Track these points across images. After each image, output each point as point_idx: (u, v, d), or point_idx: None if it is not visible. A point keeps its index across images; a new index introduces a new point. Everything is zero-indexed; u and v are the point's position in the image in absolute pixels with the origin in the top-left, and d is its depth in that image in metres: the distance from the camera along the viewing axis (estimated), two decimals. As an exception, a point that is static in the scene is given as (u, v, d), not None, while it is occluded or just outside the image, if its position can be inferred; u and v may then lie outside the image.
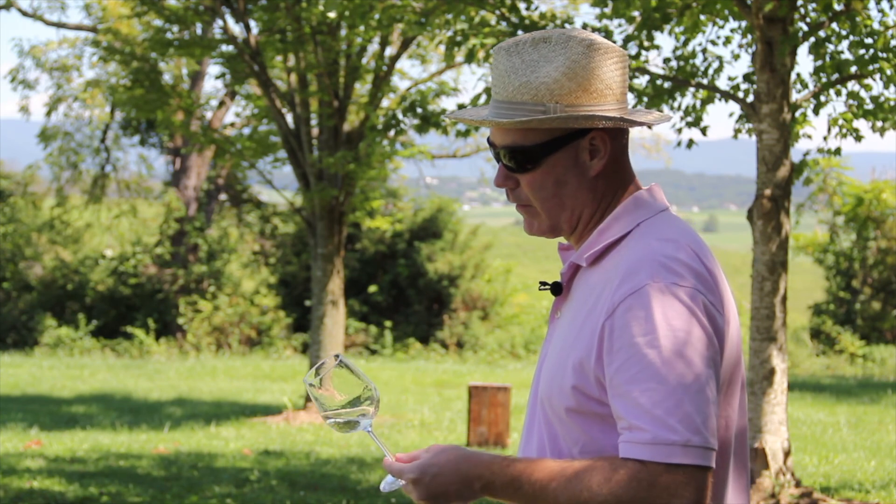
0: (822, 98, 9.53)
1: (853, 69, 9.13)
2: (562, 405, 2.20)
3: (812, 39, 9.24)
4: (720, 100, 9.86)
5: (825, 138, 9.69)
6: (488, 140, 2.36)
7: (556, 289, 2.34)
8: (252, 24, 14.37)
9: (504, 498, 2.17)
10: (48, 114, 26.01)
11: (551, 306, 2.37)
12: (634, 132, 24.17)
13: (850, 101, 9.46)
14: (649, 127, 2.36)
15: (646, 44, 9.45)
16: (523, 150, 2.27)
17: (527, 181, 2.30)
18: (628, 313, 2.12)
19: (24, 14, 21.95)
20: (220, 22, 14.54)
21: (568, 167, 2.28)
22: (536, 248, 58.62)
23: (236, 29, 15.41)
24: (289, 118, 14.84)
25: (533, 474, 2.14)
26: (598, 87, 2.27)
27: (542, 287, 2.38)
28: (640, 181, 2.35)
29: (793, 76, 9.16)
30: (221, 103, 24.84)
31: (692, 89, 9.85)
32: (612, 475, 2.08)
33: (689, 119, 9.94)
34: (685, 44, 9.89)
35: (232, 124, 21.16)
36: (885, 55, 8.91)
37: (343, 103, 14.66)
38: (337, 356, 2.30)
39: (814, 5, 9.13)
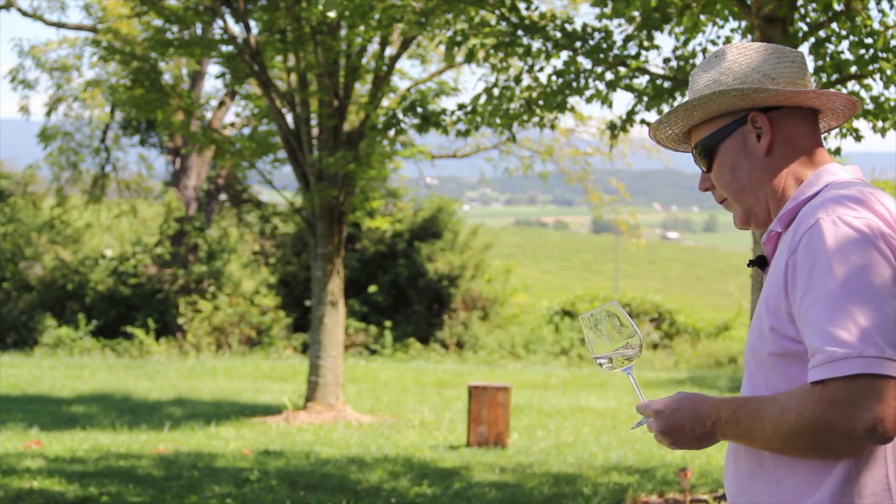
0: (822, 98, 9.51)
1: (853, 69, 9.12)
2: (764, 350, 2.33)
3: (812, 39, 9.23)
4: (720, 100, 9.84)
5: (825, 138, 9.67)
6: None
7: (761, 262, 2.49)
8: (252, 24, 14.37)
9: (727, 433, 2.33)
10: (48, 114, 25.99)
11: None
12: (635, 134, 24.13)
13: (851, 102, 9.44)
14: (840, 123, 2.52)
15: (646, 44, 9.45)
16: (702, 146, 2.51)
17: (713, 176, 2.52)
18: (806, 247, 2.26)
19: (24, 14, 21.91)
20: (220, 22, 14.54)
21: (739, 151, 2.47)
22: (536, 248, 58.61)
23: (236, 29, 15.42)
24: (289, 118, 14.84)
25: (747, 406, 2.30)
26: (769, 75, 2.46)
27: (750, 264, 2.53)
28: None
29: (793, 76, 9.14)
30: (221, 103, 24.84)
31: (692, 89, 9.83)
32: (801, 397, 2.19)
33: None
34: (685, 44, 9.88)
35: (232, 124, 21.17)
36: (885, 55, 8.90)
37: (343, 103, 14.66)
38: (613, 303, 2.52)
39: (814, 5, 9.12)
